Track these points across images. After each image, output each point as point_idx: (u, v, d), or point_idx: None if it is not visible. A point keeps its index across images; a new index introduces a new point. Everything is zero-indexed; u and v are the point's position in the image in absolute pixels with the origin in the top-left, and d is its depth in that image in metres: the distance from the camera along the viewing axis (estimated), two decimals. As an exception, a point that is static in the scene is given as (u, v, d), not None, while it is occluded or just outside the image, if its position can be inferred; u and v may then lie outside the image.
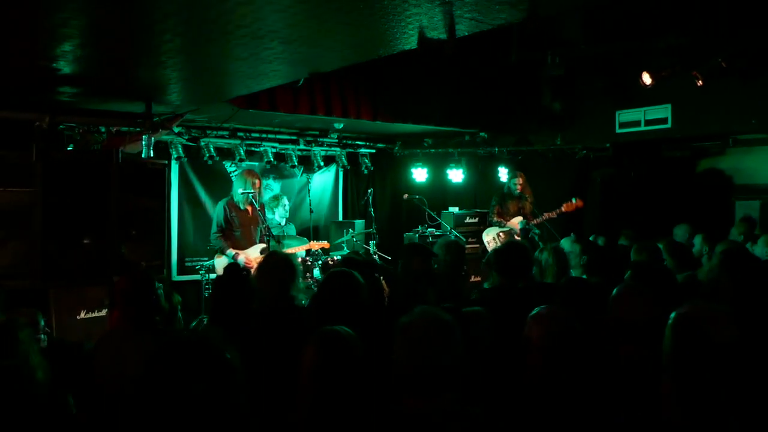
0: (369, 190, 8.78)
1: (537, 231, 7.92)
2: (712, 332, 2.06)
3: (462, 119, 8.33)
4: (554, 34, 7.19)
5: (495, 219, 8.16)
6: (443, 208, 9.23)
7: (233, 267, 3.73)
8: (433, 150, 9.68)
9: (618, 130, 7.90)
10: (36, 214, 4.75)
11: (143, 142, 6.20)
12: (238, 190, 6.60)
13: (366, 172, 9.62)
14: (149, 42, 4.06)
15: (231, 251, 6.52)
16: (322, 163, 9.08)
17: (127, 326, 3.13)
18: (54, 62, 4.43)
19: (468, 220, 8.95)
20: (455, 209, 9.13)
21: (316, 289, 6.74)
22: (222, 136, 8.11)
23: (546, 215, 7.84)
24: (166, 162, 7.47)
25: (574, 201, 7.75)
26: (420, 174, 9.44)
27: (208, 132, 7.94)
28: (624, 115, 7.83)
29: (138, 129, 6.45)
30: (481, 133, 9.08)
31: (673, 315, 2.19)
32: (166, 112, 6.57)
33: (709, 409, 1.98)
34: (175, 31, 3.80)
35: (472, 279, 7.67)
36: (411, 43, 3.93)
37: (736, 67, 6.47)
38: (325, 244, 7.56)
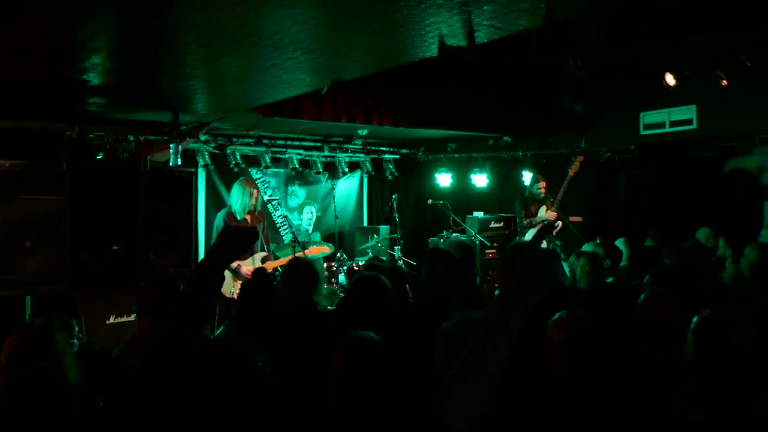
0: (393, 196, 8.81)
1: (558, 242, 7.86)
2: (733, 335, 2.06)
3: (485, 123, 8.32)
4: (574, 36, 7.16)
5: (525, 221, 8.14)
6: (467, 212, 9.22)
7: (260, 272, 3.77)
8: (456, 155, 9.69)
9: (642, 132, 7.83)
10: (66, 221, 4.86)
11: (171, 151, 6.31)
12: (235, 201, 6.54)
13: (390, 177, 9.65)
14: (174, 53, 4.15)
15: (231, 264, 6.34)
16: (346, 169, 9.14)
17: (155, 331, 3.19)
18: (84, 74, 4.55)
19: (493, 224, 8.93)
20: (480, 214, 9.11)
21: (341, 294, 6.80)
22: (247, 144, 8.21)
23: (563, 187, 7.88)
24: (193, 170, 7.59)
25: (575, 160, 7.74)
26: (444, 179, 9.46)
27: (234, 140, 8.04)
28: (648, 117, 7.76)
29: (165, 138, 6.58)
30: (505, 137, 9.07)
31: (695, 319, 2.19)
32: (193, 120, 6.69)
33: (731, 411, 1.98)
34: (199, 43, 3.88)
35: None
36: (431, 51, 3.97)
37: (761, 66, 6.38)
38: (324, 248, 7.40)
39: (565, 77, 7.21)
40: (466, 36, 3.52)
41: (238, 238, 1.89)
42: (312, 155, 8.74)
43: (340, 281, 7.30)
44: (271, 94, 5.62)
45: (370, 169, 9.41)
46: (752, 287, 3.65)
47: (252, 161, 8.33)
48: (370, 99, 7.30)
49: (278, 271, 6.29)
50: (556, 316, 2.47)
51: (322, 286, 3.69)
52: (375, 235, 8.47)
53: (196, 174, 7.83)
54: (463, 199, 9.77)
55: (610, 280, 4.64)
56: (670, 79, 6.80)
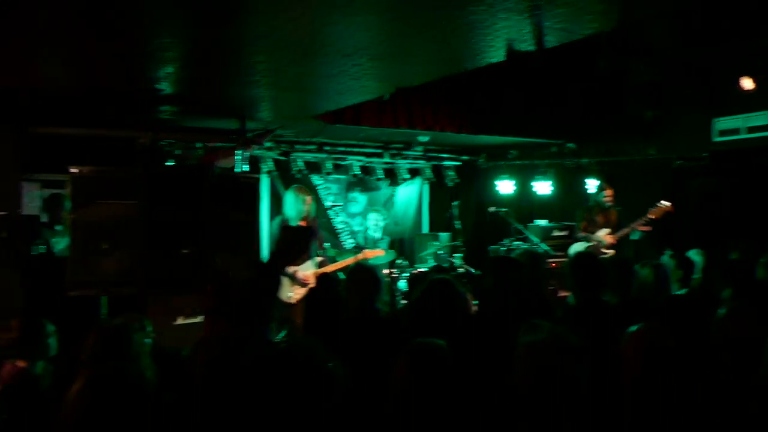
0: (454, 203, 8.75)
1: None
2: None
3: (548, 130, 8.18)
4: (642, 39, 6.95)
5: (581, 234, 7.92)
6: (529, 220, 9.06)
7: (326, 277, 3.80)
8: (518, 162, 9.55)
9: (715, 139, 7.53)
10: (140, 225, 5.03)
11: (237, 157, 6.47)
12: (289, 207, 6.40)
13: (451, 184, 9.59)
14: (242, 62, 4.26)
15: (288, 269, 6.19)
16: (407, 176, 9.15)
17: (224, 333, 3.25)
18: (157, 83, 4.72)
19: (555, 233, 8.73)
20: (542, 222, 8.95)
21: (403, 301, 6.78)
22: (310, 150, 8.32)
23: (632, 226, 7.47)
24: (258, 176, 7.75)
25: (661, 204, 7.11)
26: (505, 186, 9.32)
27: (297, 146, 8.17)
28: (722, 123, 7.45)
29: (232, 144, 6.75)
30: (569, 144, 8.89)
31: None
32: (258, 128, 6.83)
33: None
34: (266, 52, 3.96)
35: (560, 294, 7.48)
36: (498, 55, 3.93)
37: None
38: (379, 251, 7.25)
39: (633, 82, 7.01)
40: (536, 40, 3.47)
41: (297, 237, 1.90)
42: (372, 162, 8.78)
43: (399, 288, 7.29)
44: (336, 101, 5.70)
45: (430, 176, 9.38)
46: None
47: (314, 168, 8.44)
48: (431, 105, 7.29)
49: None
50: (633, 328, 2.39)
51: (385, 292, 3.68)
52: (435, 242, 8.42)
53: (259, 180, 8.00)
54: (526, 206, 9.60)
55: (682, 291, 4.46)
56: (747, 83, 6.51)
